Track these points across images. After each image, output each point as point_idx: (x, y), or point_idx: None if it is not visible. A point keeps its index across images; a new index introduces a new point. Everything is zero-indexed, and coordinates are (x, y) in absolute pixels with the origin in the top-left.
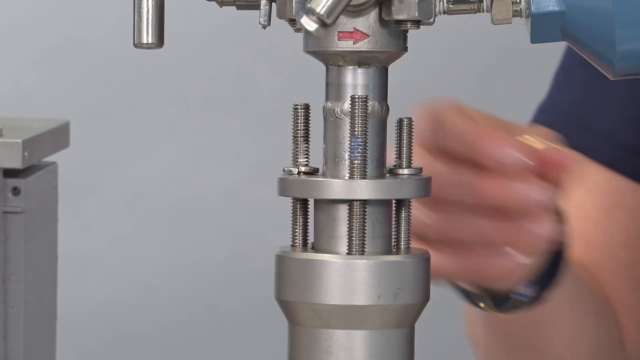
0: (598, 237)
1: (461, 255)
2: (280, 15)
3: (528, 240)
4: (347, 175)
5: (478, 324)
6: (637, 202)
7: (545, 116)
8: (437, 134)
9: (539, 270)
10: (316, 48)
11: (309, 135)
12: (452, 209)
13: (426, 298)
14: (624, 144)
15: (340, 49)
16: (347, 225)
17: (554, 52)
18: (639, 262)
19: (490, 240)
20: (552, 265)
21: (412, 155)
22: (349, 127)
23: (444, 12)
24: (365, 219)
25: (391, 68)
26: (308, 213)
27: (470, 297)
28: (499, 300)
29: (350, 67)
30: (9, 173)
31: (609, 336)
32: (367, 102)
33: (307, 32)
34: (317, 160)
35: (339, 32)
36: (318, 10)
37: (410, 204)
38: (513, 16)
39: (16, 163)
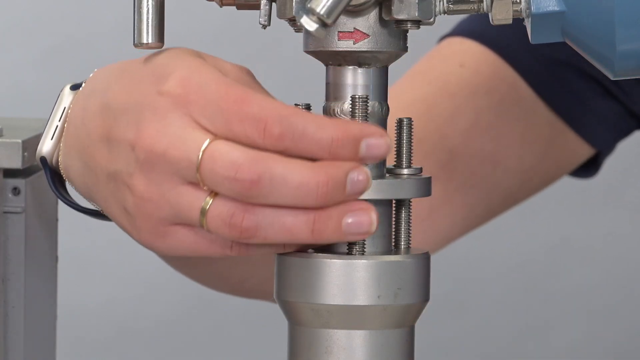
0: (444, 110)
1: None
2: (280, 15)
3: None
4: None
5: None
6: (508, 100)
7: (466, 22)
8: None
9: None
10: (316, 48)
11: None
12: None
13: (426, 298)
14: (545, 60)
15: (340, 49)
16: None
17: None
18: (464, 158)
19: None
20: None
21: (412, 155)
22: None
23: (444, 12)
24: None
25: (391, 68)
26: None
27: None
28: None
29: (350, 67)
30: (9, 173)
31: None
32: (367, 102)
33: (307, 32)
34: None
35: (339, 32)
36: (318, 10)
37: (410, 204)
38: (513, 16)
39: (16, 163)
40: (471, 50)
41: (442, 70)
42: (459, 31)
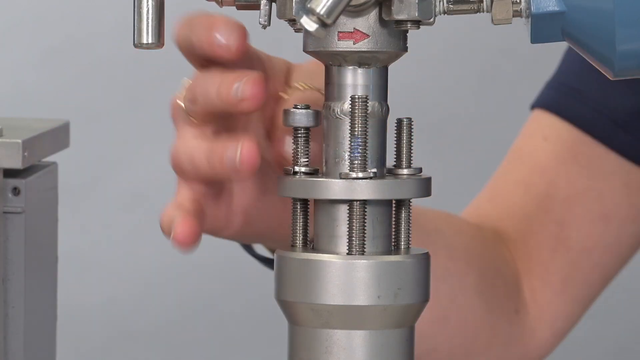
0: (539, 186)
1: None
2: (280, 16)
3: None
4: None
5: None
6: (596, 160)
7: (547, 90)
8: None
9: None
10: (316, 48)
11: (309, 135)
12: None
13: (426, 298)
14: (618, 118)
15: (340, 49)
16: (347, 225)
17: (554, 52)
18: (574, 224)
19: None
20: None
21: (412, 155)
22: (349, 127)
23: (444, 12)
24: (365, 219)
25: (391, 68)
26: (308, 213)
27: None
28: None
29: (351, 67)
30: (9, 173)
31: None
32: (367, 102)
33: (307, 32)
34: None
35: (339, 32)
36: (318, 10)
37: (410, 204)
38: (513, 16)
39: (16, 163)
40: (550, 123)
41: (530, 148)
42: (541, 102)
